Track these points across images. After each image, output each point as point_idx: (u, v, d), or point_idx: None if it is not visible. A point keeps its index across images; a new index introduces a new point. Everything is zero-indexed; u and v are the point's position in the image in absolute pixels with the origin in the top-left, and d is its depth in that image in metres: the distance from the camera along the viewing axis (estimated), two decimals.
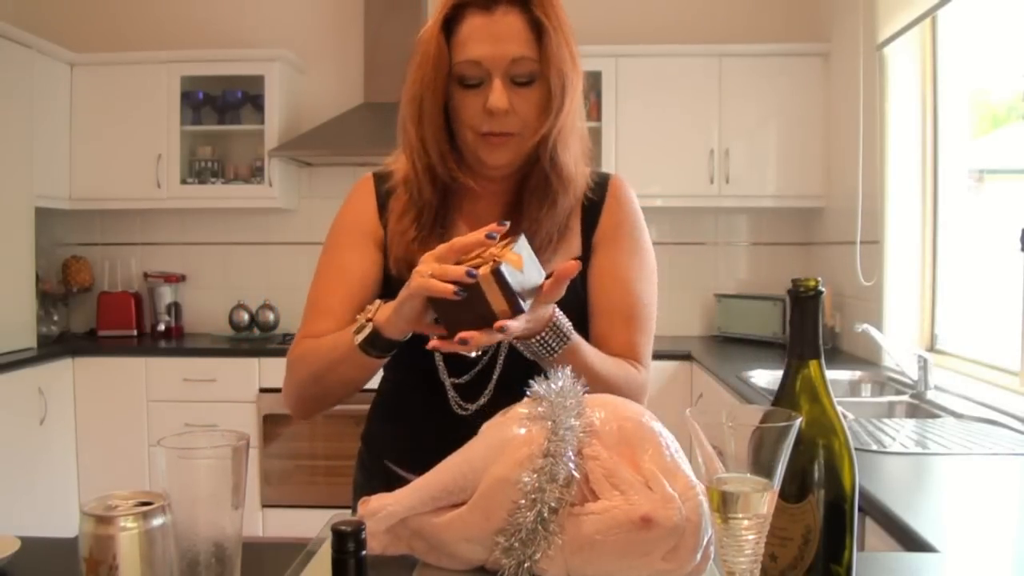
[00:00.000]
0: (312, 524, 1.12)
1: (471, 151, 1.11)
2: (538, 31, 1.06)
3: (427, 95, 1.08)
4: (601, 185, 1.18)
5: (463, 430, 0.86)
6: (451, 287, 0.86)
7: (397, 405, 1.22)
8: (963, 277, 2.84)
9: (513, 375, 1.07)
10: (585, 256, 1.15)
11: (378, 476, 1.20)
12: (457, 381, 1.13)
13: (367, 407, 1.29)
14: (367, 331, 0.98)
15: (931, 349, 2.89)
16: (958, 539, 1.20)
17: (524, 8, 1.06)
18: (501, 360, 1.12)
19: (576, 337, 1.01)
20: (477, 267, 0.86)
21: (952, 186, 2.88)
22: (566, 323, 0.99)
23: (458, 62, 1.06)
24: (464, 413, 1.13)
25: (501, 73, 1.05)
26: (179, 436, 0.70)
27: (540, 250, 1.07)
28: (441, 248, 0.90)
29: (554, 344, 0.98)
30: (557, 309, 0.98)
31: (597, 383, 0.98)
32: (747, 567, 0.61)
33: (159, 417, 3.55)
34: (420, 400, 1.16)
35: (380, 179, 1.20)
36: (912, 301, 2.97)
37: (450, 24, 1.07)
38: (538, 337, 0.97)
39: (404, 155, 1.14)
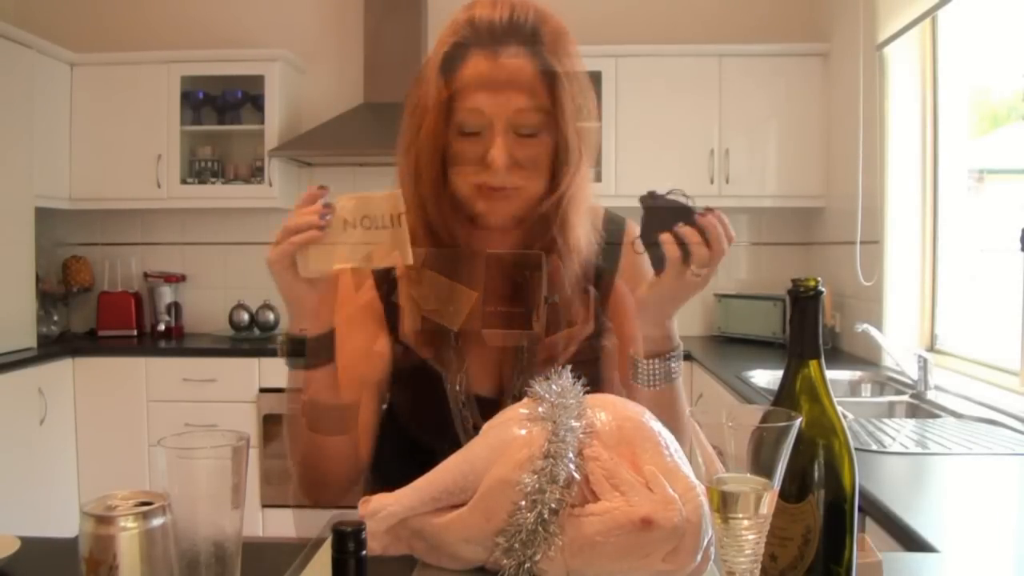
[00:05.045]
0: (312, 524, 1.11)
1: (467, 204, 1.01)
2: (550, 78, 0.96)
3: (425, 146, 0.98)
4: (617, 230, 1.12)
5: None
6: (313, 219, 0.87)
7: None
8: (963, 277, 2.84)
9: None
10: (605, 292, 1.09)
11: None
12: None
13: None
14: (282, 345, 0.96)
15: (931, 349, 2.88)
16: (958, 539, 1.20)
17: (535, 52, 0.96)
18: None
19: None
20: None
21: (952, 186, 2.88)
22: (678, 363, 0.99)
23: (457, 108, 0.96)
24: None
25: (503, 125, 0.95)
26: (179, 436, 0.70)
27: (551, 316, 1.04)
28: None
29: (662, 373, 0.98)
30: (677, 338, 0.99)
31: (677, 422, 0.94)
32: (747, 567, 0.61)
33: (159, 417, 3.54)
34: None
35: None
36: (912, 301, 2.97)
37: (451, 63, 0.97)
38: (658, 361, 0.97)
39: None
